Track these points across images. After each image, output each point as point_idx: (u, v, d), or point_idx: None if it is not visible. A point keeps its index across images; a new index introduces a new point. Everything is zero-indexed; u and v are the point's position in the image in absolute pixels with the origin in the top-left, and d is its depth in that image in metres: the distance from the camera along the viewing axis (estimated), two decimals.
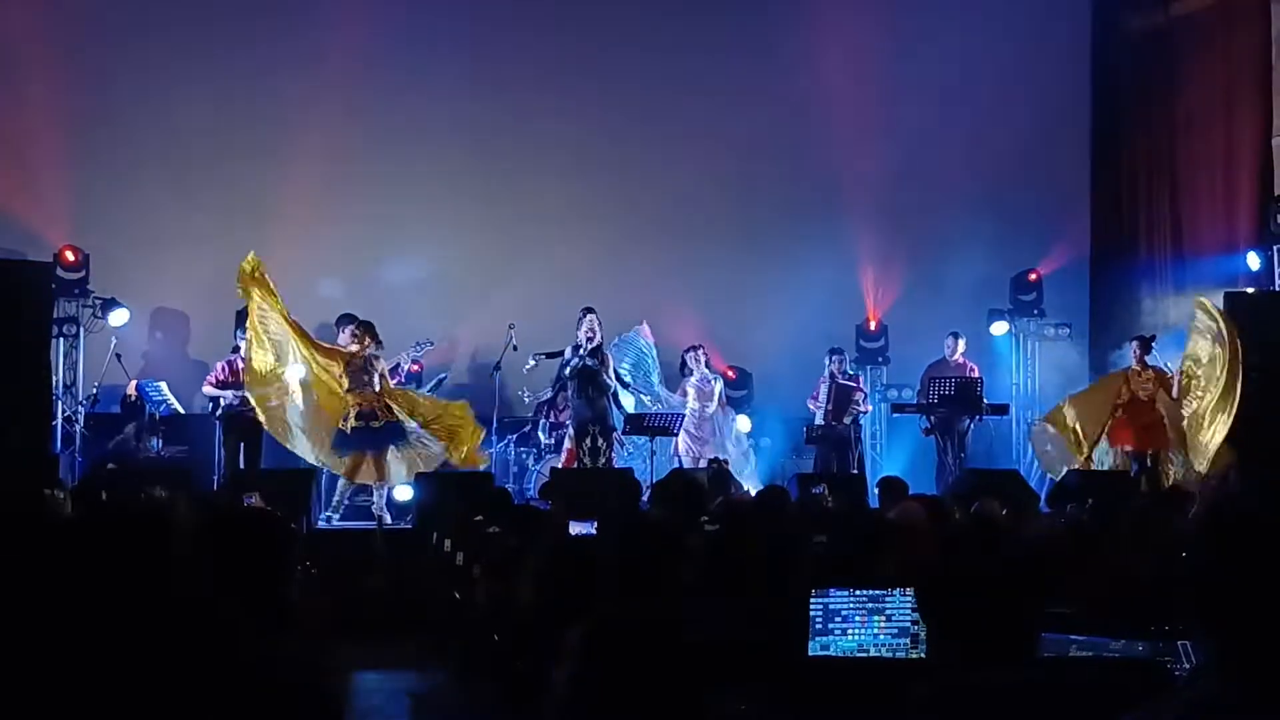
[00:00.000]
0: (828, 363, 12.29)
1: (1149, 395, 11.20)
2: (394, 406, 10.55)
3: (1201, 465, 10.58)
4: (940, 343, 12.80)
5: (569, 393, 11.30)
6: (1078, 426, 11.33)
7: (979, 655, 2.87)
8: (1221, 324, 10.44)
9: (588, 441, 11.06)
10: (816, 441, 12.24)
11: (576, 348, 11.16)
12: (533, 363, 11.40)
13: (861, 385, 12.67)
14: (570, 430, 11.48)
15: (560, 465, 11.36)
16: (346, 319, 10.89)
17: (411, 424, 10.58)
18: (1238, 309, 10.82)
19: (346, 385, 10.45)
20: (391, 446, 10.49)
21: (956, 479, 10.69)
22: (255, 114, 12.67)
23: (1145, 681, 2.66)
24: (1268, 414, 10.27)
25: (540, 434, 12.17)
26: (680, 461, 11.71)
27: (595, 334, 11.18)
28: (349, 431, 10.36)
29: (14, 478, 8.16)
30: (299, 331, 10.39)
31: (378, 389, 10.53)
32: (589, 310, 11.26)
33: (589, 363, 11.12)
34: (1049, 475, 11.41)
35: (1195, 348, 10.86)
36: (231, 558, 3.16)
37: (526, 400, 12.18)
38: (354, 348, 10.56)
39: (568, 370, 11.21)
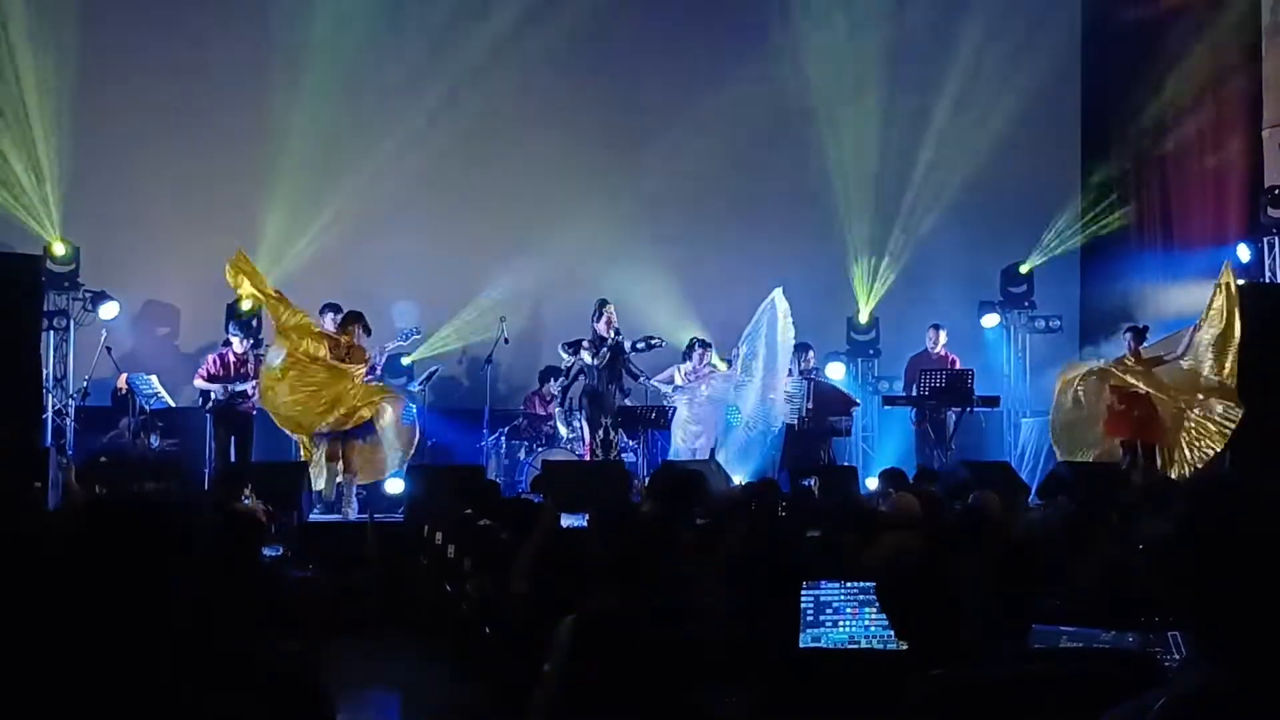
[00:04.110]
0: (799, 359, 12.14)
1: (1141, 386, 11.20)
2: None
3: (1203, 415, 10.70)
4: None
5: (589, 382, 11.23)
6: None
7: (962, 649, 2.88)
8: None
9: (600, 433, 11.06)
10: (788, 441, 12.06)
11: (597, 341, 11.10)
12: (565, 356, 11.32)
13: (846, 392, 12.59)
14: (584, 421, 11.37)
15: (584, 455, 11.27)
16: (330, 308, 10.84)
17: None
18: None
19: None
20: (360, 440, 10.54)
21: (947, 471, 10.68)
22: (245, 105, 12.60)
23: (1136, 672, 2.67)
24: (1261, 407, 10.30)
25: (561, 426, 11.98)
26: (677, 453, 11.64)
27: (615, 323, 11.11)
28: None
29: (4, 471, 8.14)
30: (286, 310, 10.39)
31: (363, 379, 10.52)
32: (606, 301, 11.21)
33: (605, 356, 11.05)
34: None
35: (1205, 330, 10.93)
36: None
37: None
38: (341, 338, 10.53)
39: (577, 366, 11.17)
